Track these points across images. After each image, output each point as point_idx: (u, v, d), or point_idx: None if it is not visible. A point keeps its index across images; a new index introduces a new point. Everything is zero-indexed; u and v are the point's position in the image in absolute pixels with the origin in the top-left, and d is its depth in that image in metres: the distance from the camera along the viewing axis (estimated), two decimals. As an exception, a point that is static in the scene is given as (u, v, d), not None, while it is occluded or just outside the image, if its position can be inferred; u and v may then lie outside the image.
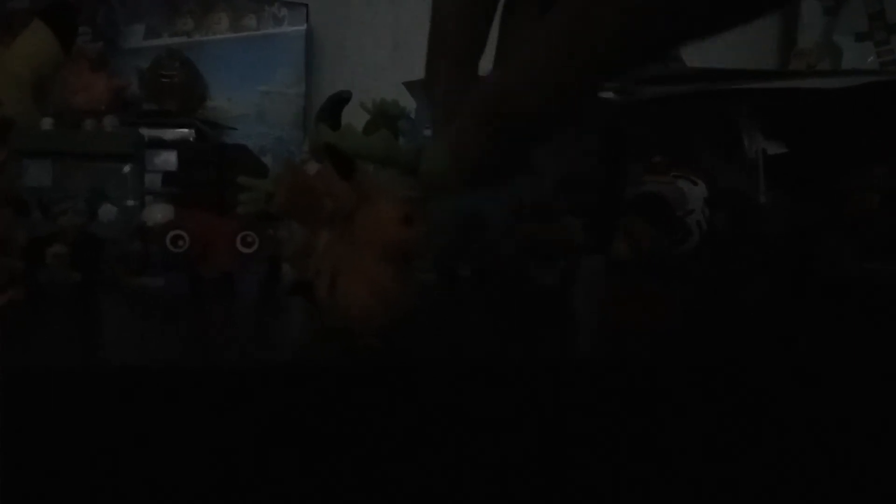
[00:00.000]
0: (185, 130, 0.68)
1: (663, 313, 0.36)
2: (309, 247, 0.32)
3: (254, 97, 0.92)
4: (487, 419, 0.27)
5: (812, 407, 0.32)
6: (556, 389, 0.28)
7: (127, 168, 0.55)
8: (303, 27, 0.93)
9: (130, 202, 0.55)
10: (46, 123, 0.54)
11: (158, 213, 0.52)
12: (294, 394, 0.27)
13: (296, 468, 0.26)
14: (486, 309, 0.46)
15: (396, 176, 0.47)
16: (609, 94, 0.75)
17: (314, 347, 0.32)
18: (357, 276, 0.29)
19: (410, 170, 0.47)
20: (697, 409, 0.30)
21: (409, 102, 0.79)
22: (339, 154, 0.28)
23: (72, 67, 0.76)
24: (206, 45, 0.91)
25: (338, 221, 0.30)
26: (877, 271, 0.49)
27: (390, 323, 0.29)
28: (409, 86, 0.80)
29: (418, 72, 0.95)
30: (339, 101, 0.61)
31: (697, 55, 0.66)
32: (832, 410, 0.32)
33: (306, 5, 0.92)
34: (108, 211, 0.53)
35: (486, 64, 0.26)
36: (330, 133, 0.46)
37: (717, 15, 0.20)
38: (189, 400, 0.27)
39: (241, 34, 0.92)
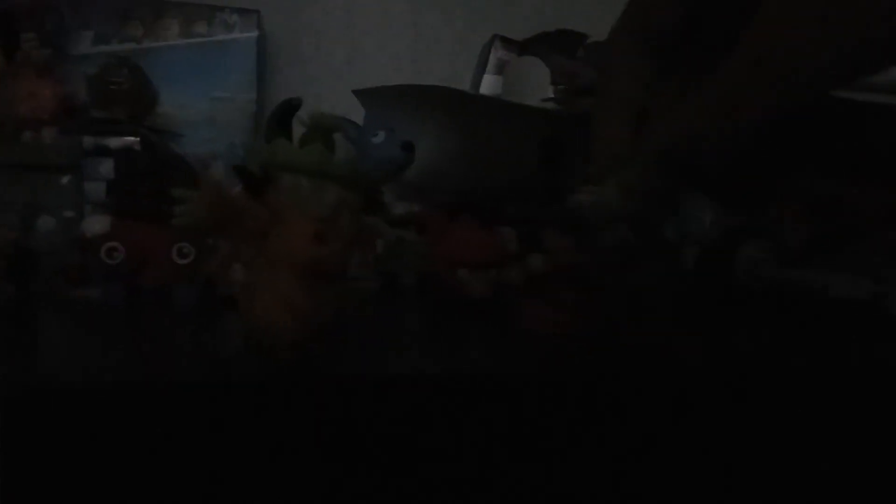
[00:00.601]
0: (131, 138, 0.68)
1: (571, 324, 0.38)
2: (230, 261, 0.33)
3: (205, 104, 0.92)
4: (389, 432, 0.29)
5: (723, 414, 0.33)
6: (450, 402, 0.29)
7: (66, 179, 0.55)
8: (255, 33, 0.93)
9: (69, 213, 0.55)
10: (-18, 135, 0.54)
11: (96, 224, 0.52)
12: (205, 407, 0.27)
13: (204, 482, 0.27)
14: (412, 320, 0.47)
15: (329, 188, 0.48)
16: (549, 105, 0.77)
17: (230, 362, 0.33)
18: (271, 292, 0.29)
19: (344, 183, 0.48)
20: (598, 420, 0.32)
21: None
22: (248, 174, 0.29)
23: (17, 75, 0.75)
24: (157, 52, 0.90)
25: (256, 238, 0.31)
26: (797, 280, 0.51)
27: (305, 339, 0.30)
28: (360, 94, 0.81)
29: (372, 77, 0.96)
30: (289, 107, 0.61)
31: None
32: (740, 417, 0.34)
33: (258, 12, 0.92)
34: (46, 222, 0.53)
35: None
36: (263, 147, 0.47)
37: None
38: (111, 414, 0.27)
39: (192, 40, 0.92)
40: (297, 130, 0.51)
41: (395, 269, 0.57)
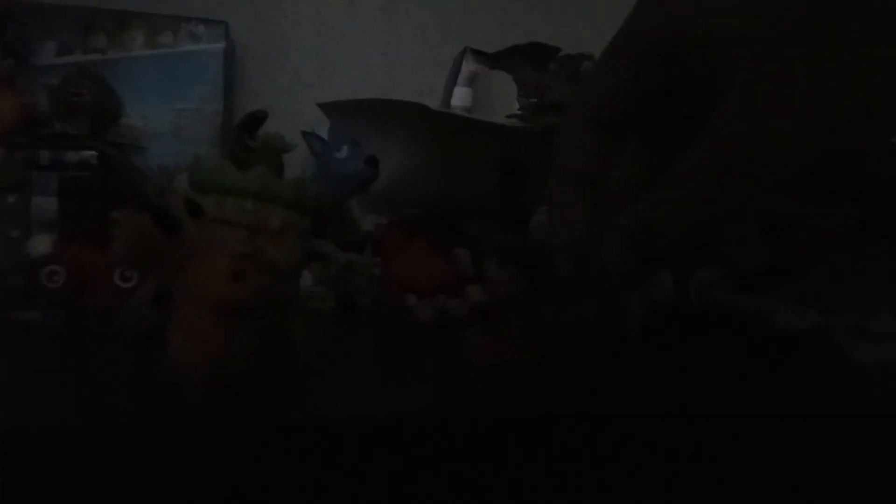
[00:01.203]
0: (87, 153, 0.67)
1: (512, 356, 0.37)
2: (150, 294, 0.32)
3: (170, 115, 0.91)
4: (302, 478, 0.28)
5: (681, 443, 0.33)
6: (388, 444, 0.29)
7: (12, 198, 0.54)
8: (221, 44, 0.92)
9: (15, 233, 0.54)
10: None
11: (41, 244, 0.51)
12: (121, 449, 0.27)
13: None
14: (359, 346, 0.46)
15: (276, 210, 0.48)
16: (511, 122, 0.76)
17: (147, 401, 0.32)
18: (185, 329, 0.29)
19: (291, 205, 0.47)
20: (539, 459, 0.31)
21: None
22: (161, 212, 0.28)
23: (-25, 85, 0.74)
24: (121, 63, 0.89)
25: (172, 275, 0.30)
26: (751, 303, 0.51)
27: (218, 378, 0.29)
28: (324, 107, 0.80)
29: (341, 92, 0.95)
30: (254, 119, 0.60)
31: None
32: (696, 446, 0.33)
33: (225, 23, 0.92)
34: (-11, 242, 0.52)
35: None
36: (207, 168, 0.46)
37: None
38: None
39: (158, 51, 0.91)
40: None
41: (347, 290, 0.56)
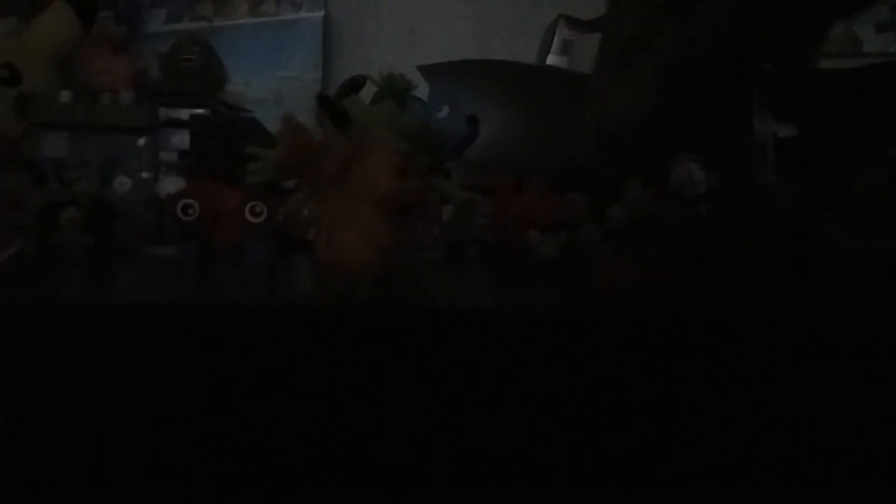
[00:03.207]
0: (201, 110, 0.69)
1: (653, 276, 0.36)
2: (306, 202, 0.33)
3: (272, 82, 0.94)
4: (471, 369, 0.28)
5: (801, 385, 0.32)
6: (539, 343, 0.29)
7: (142, 141, 0.56)
8: (321, 13, 0.94)
9: (145, 175, 0.56)
10: (65, 96, 0.55)
11: (172, 185, 0.53)
12: (284, 339, 0.27)
13: (282, 408, 0.27)
14: (486, 274, 0.46)
15: (401, 144, 0.48)
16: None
17: (306, 297, 0.33)
18: (353, 228, 0.29)
19: (414, 141, 0.48)
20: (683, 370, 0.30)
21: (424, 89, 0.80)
22: (333, 105, 0.29)
23: (94, 50, 0.78)
24: (226, 31, 0.92)
25: (335, 176, 0.31)
26: (882, 250, 0.49)
27: (387, 274, 0.29)
28: (424, 70, 0.81)
29: (433, 56, 0.96)
30: (354, 85, 0.61)
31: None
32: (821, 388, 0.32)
33: (324, -8, 0.93)
34: (123, 182, 0.54)
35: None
36: (336, 102, 0.47)
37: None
38: (188, 339, 0.27)
39: (260, 20, 0.94)
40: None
41: (461, 235, 0.56)
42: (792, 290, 0.43)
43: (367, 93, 0.55)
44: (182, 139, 0.69)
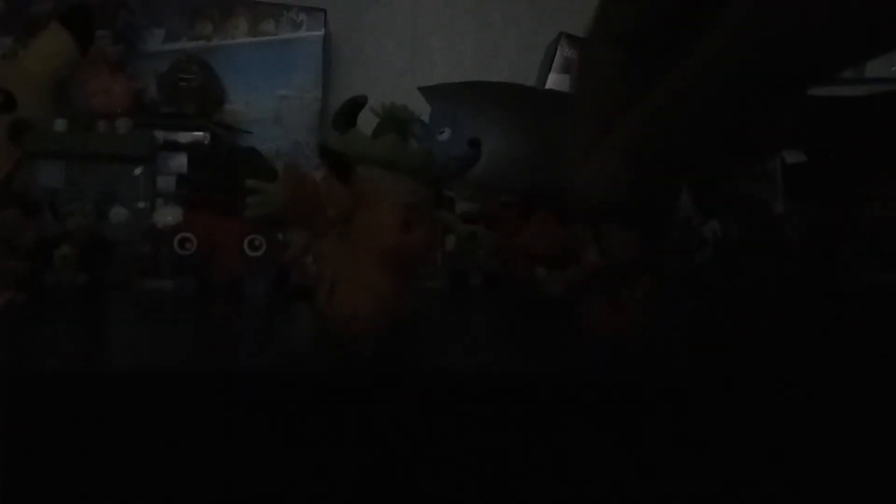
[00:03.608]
0: (200, 133, 0.68)
1: (631, 323, 0.35)
2: (308, 250, 0.32)
3: (271, 101, 0.92)
4: (469, 428, 0.27)
5: (814, 418, 0.31)
6: (539, 398, 0.28)
7: (139, 170, 0.55)
8: (321, 32, 0.92)
9: (141, 204, 0.55)
10: (60, 125, 0.54)
11: (168, 215, 0.52)
12: (282, 398, 0.26)
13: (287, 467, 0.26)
14: (490, 317, 0.45)
15: (403, 179, 0.47)
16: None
17: (308, 354, 0.32)
18: (355, 281, 0.28)
19: (417, 174, 0.47)
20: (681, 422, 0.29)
21: (424, 107, 0.79)
22: (335, 156, 0.28)
23: (91, 70, 0.77)
24: (225, 50, 0.91)
25: (338, 225, 0.30)
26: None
27: (389, 329, 0.28)
28: (425, 91, 0.80)
29: (435, 77, 0.95)
30: (355, 105, 0.60)
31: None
32: (834, 422, 0.31)
33: (324, 11, 0.92)
34: (118, 213, 0.53)
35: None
36: (336, 137, 0.46)
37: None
38: (187, 403, 0.26)
39: (260, 39, 0.93)
40: (365, 127, 0.50)
41: (464, 265, 0.55)
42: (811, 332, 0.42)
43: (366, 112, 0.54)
44: (180, 162, 0.68)
